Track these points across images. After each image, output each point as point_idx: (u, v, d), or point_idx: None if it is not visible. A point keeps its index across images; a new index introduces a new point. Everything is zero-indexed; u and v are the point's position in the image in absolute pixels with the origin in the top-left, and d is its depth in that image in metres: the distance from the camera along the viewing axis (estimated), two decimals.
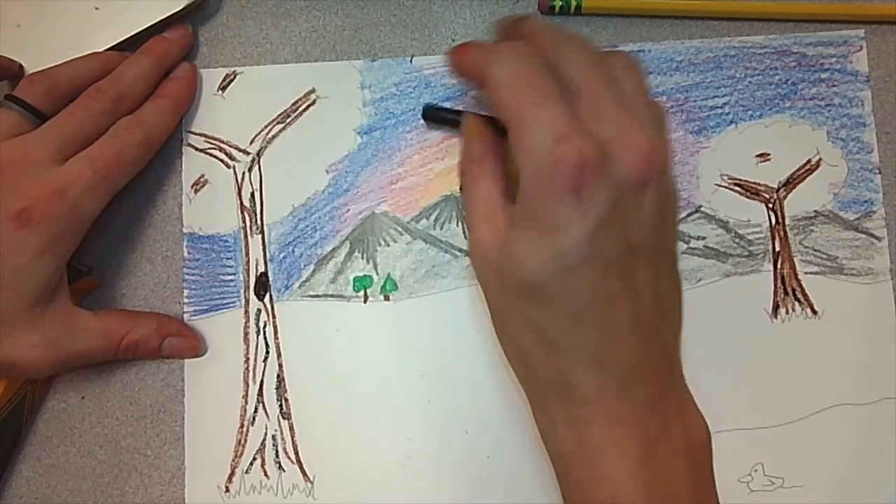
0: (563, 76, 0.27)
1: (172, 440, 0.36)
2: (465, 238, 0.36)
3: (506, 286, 0.28)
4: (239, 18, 0.39)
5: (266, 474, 0.36)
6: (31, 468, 0.36)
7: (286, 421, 0.36)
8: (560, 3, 0.38)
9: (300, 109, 0.38)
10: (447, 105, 0.37)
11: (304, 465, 0.36)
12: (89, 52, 0.36)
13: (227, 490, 0.36)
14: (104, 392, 0.37)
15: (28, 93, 0.34)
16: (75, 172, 0.32)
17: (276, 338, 0.37)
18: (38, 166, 0.32)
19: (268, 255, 0.37)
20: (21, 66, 0.37)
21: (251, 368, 0.37)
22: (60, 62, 0.35)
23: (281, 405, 0.36)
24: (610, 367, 0.27)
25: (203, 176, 0.38)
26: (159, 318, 0.36)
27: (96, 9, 0.37)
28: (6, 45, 0.36)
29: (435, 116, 0.37)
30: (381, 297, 0.37)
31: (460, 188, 0.34)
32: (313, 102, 0.38)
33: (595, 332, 0.26)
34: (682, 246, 0.37)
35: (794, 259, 0.37)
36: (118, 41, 0.37)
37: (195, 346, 0.36)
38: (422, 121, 0.37)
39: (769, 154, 0.37)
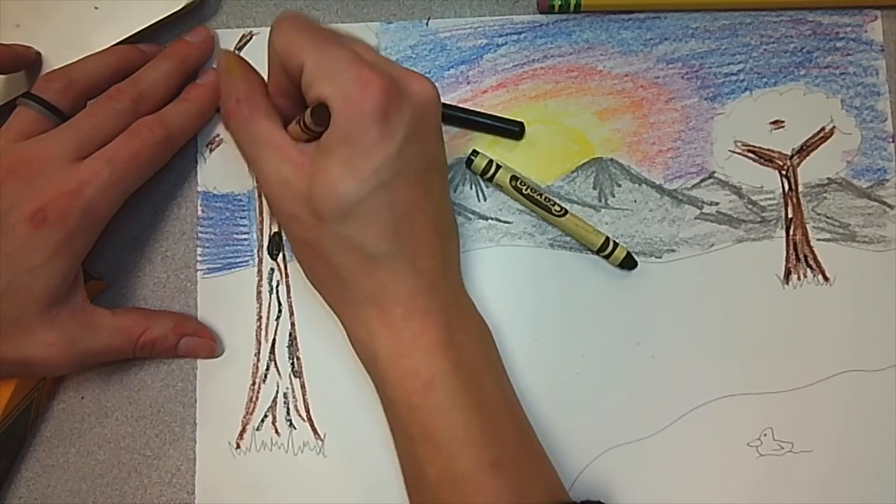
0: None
1: (172, 440, 0.36)
2: (256, 177, 0.35)
3: (321, 213, 0.30)
4: None
5: (277, 431, 0.36)
6: (31, 468, 0.36)
7: (297, 379, 0.36)
8: (559, 2, 0.38)
9: None
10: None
11: (315, 423, 0.36)
12: (89, 52, 0.35)
13: (238, 446, 0.36)
14: (103, 392, 0.37)
15: (46, 90, 0.33)
16: (91, 172, 0.32)
17: (288, 297, 0.37)
18: (54, 166, 0.32)
19: None
20: (39, 53, 0.36)
21: (264, 327, 0.37)
22: (70, 62, 0.35)
23: (293, 363, 0.37)
24: (420, 268, 0.31)
25: (218, 135, 0.38)
26: (177, 317, 0.36)
27: (96, 8, 0.37)
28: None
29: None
30: None
31: (227, 126, 0.34)
32: None
33: (408, 239, 0.30)
34: (694, 211, 0.37)
35: (807, 226, 0.37)
36: (118, 40, 0.37)
37: (212, 345, 0.36)
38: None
39: (783, 121, 0.38)
